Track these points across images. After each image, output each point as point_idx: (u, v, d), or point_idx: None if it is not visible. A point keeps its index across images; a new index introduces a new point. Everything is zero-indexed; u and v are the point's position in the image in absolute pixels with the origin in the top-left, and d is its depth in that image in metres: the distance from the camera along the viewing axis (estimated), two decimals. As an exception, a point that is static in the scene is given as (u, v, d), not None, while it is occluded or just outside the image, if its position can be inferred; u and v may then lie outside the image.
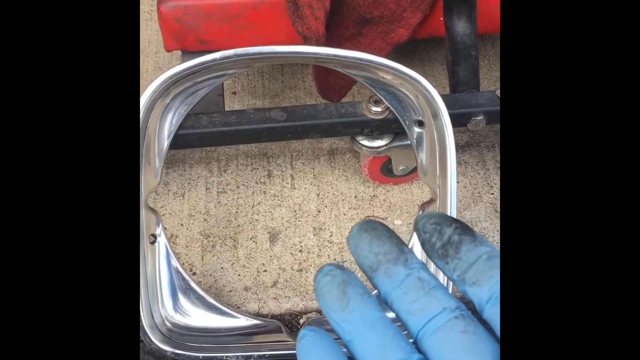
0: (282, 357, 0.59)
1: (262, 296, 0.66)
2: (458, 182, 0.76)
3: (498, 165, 0.77)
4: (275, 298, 0.66)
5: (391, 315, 0.33)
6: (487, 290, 0.31)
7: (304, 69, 0.86)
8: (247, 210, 0.72)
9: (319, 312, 0.65)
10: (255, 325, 0.62)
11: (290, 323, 0.65)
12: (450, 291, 0.34)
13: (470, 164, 0.78)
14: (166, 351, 0.56)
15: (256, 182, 0.75)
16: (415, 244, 0.62)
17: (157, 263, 0.59)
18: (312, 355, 0.31)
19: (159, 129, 0.59)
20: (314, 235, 0.71)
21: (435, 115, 0.59)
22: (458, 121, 0.64)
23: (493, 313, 0.31)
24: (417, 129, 0.62)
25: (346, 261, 0.68)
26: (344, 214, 0.72)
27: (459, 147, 0.79)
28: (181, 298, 0.59)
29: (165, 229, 0.62)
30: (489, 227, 0.72)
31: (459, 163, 0.77)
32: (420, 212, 0.63)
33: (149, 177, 0.59)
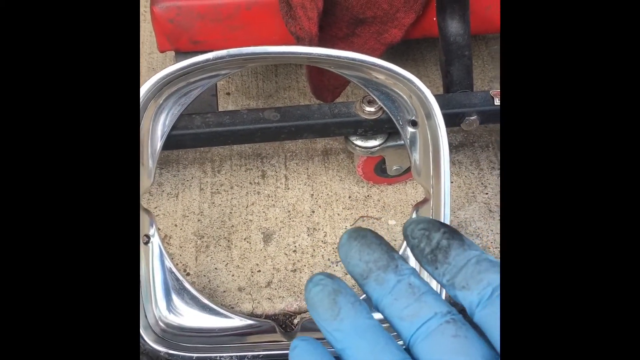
0: (276, 357, 0.59)
1: (256, 296, 0.66)
2: (452, 182, 0.76)
3: (492, 165, 0.78)
4: (269, 298, 0.66)
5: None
6: (476, 294, 0.31)
7: (297, 70, 0.86)
8: (241, 210, 0.72)
9: (313, 312, 0.65)
10: (249, 326, 0.62)
11: (284, 323, 0.65)
12: (443, 297, 0.34)
13: (464, 164, 0.78)
14: (160, 351, 0.56)
15: (250, 183, 0.75)
16: (408, 249, 0.62)
17: (150, 264, 0.59)
18: None
19: (152, 129, 0.59)
20: (308, 235, 0.71)
21: (429, 115, 0.59)
22: (451, 121, 0.64)
23: (483, 316, 0.31)
24: (410, 129, 0.62)
25: (340, 261, 0.68)
26: (338, 214, 0.72)
27: (453, 147, 0.79)
28: (175, 298, 0.59)
29: (159, 229, 0.62)
30: (483, 227, 0.72)
31: (453, 163, 0.78)
32: (414, 212, 0.63)
33: (143, 178, 0.59)
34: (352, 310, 0.31)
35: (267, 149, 0.78)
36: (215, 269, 0.67)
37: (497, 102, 0.65)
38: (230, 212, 0.72)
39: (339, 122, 0.63)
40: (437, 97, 0.58)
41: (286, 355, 0.59)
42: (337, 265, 0.68)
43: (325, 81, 0.70)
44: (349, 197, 0.74)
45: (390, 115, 0.62)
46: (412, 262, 0.58)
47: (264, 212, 0.72)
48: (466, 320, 0.32)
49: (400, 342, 0.32)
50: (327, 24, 0.65)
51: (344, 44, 0.68)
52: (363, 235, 0.34)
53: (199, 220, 0.71)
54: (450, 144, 0.79)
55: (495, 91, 0.65)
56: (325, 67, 0.60)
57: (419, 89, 0.57)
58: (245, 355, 0.59)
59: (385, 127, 0.64)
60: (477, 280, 0.31)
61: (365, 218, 0.72)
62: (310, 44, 0.62)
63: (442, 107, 0.58)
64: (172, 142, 0.61)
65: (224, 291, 0.66)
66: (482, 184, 0.76)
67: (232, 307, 0.65)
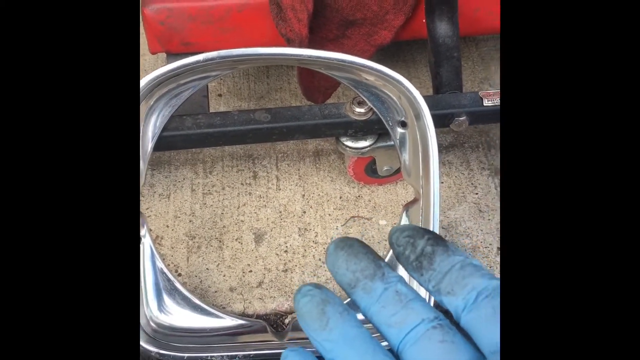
0: (267, 357, 0.59)
1: (248, 296, 0.66)
2: (442, 183, 0.76)
3: (482, 165, 0.78)
4: (260, 298, 0.66)
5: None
6: (461, 299, 0.31)
7: (289, 71, 0.87)
8: (233, 211, 0.73)
9: (304, 312, 0.66)
10: (241, 325, 0.62)
11: (275, 323, 0.65)
12: (432, 303, 0.35)
13: (454, 164, 0.78)
14: (151, 351, 0.56)
15: (242, 184, 0.75)
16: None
17: (141, 264, 0.59)
18: None
19: (143, 131, 0.59)
20: (299, 235, 0.71)
21: (418, 116, 0.59)
22: (441, 122, 0.65)
23: (469, 320, 0.31)
24: (400, 130, 0.62)
25: (331, 261, 0.69)
26: (329, 215, 0.73)
27: (443, 148, 0.80)
28: (166, 299, 0.60)
29: (150, 230, 0.62)
30: (473, 226, 0.73)
31: (443, 163, 0.78)
32: (404, 212, 0.64)
33: (134, 178, 0.59)
34: (340, 319, 0.32)
35: (259, 150, 0.78)
36: (207, 269, 0.68)
37: (486, 102, 0.65)
38: (222, 213, 0.72)
39: (330, 123, 0.64)
40: (426, 98, 0.59)
41: (278, 354, 0.60)
42: (328, 265, 0.69)
43: (315, 82, 0.70)
44: (340, 197, 0.74)
45: (380, 116, 0.62)
46: (401, 269, 0.58)
47: (255, 212, 0.73)
48: (453, 325, 0.32)
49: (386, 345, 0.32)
50: (317, 25, 0.66)
51: (334, 46, 0.68)
52: (350, 244, 0.34)
53: (190, 221, 0.71)
54: (440, 145, 0.80)
55: (485, 92, 0.66)
56: (316, 69, 0.60)
57: (408, 90, 0.58)
58: (236, 355, 0.59)
59: (375, 128, 0.65)
60: (462, 285, 0.32)
61: (356, 218, 0.73)
62: (301, 46, 0.62)
63: (431, 108, 0.59)
64: (163, 143, 0.61)
65: (216, 291, 0.66)
66: (472, 184, 0.77)
67: (224, 307, 0.65)
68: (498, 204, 0.74)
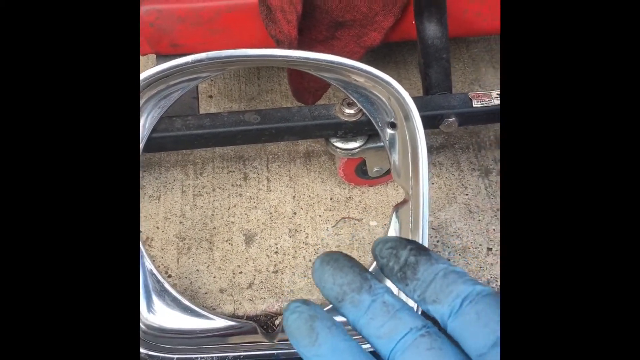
0: (257, 358, 0.59)
1: (238, 298, 0.66)
2: (433, 184, 0.77)
3: (472, 166, 0.78)
4: (250, 299, 0.66)
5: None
6: (447, 306, 0.32)
7: (280, 73, 0.87)
8: (223, 212, 0.73)
9: (295, 313, 0.66)
10: (231, 327, 0.62)
11: (265, 324, 0.65)
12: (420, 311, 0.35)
13: (445, 165, 0.79)
14: (140, 353, 0.56)
15: (232, 185, 0.75)
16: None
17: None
18: None
19: (133, 132, 0.59)
20: (290, 237, 0.71)
21: (407, 117, 0.60)
22: (430, 123, 0.65)
23: (455, 327, 0.32)
24: (389, 131, 0.63)
25: (321, 262, 0.69)
26: (320, 216, 0.73)
27: (434, 149, 0.80)
28: (156, 300, 0.60)
29: (140, 231, 0.62)
30: (463, 227, 0.73)
31: (433, 165, 0.78)
32: (394, 213, 0.64)
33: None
34: (329, 334, 0.32)
35: (250, 152, 0.78)
36: (197, 270, 0.68)
37: (475, 104, 0.66)
38: (212, 214, 0.72)
39: (319, 124, 0.64)
40: (415, 99, 0.59)
41: (267, 355, 0.60)
42: (318, 266, 0.69)
43: (305, 84, 0.70)
44: (331, 198, 0.75)
45: (370, 117, 0.62)
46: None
47: (245, 214, 0.73)
48: (441, 332, 0.32)
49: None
50: (307, 27, 0.66)
51: (324, 47, 0.69)
52: (335, 259, 0.34)
53: (180, 223, 0.71)
54: (431, 146, 0.80)
55: (474, 93, 0.66)
56: (305, 70, 0.60)
57: (397, 91, 0.58)
58: (226, 356, 0.59)
59: (365, 129, 0.65)
60: (446, 292, 0.32)
61: (346, 219, 0.73)
62: (290, 47, 0.62)
63: (420, 109, 0.59)
64: (153, 144, 0.61)
65: (206, 293, 0.66)
66: (462, 185, 0.77)
67: (214, 309, 0.65)
68: (488, 205, 0.74)
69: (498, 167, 0.78)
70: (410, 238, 0.61)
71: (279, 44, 0.64)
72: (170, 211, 0.72)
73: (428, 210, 0.59)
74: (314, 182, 0.76)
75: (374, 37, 0.68)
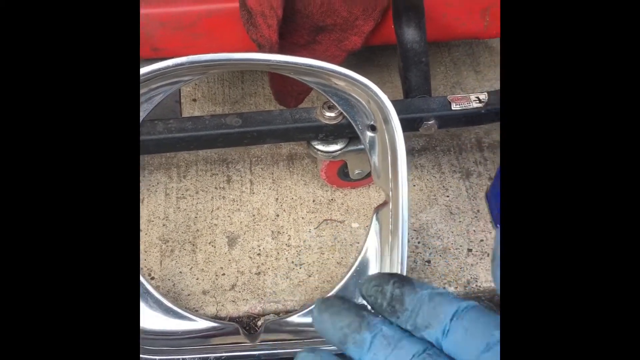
0: (239, 358, 0.60)
1: (220, 299, 0.67)
2: (414, 186, 0.77)
3: (453, 168, 0.79)
4: (233, 301, 0.67)
5: None
6: (439, 329, 0.34)
7: (264, 76, 0.88)
8: (206, 215, 0.73)
9: (277, 314, 0.66)
10: (213, 328, 0.63)
11: (248, 325, 0.66)
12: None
13: (426, 167, 0.80)
14: (122, 354, 0.57)
15: (215, 188, 0.76)
16: (369, 246, 0.64)
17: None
18: None
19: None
20: (272, 239, 0.72)
21: (387, 120, 0.60)
22: (410, 125, 0.66)
23: (448, 346, 0.34)
24: (369, 134, 0.63)
25: (304, 264, 0.70)
26: (302, 218, 0.74)
27: (416, 151, 0.81)
28: (138, 302, 0.60)
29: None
30: (444, 228, 0.74)
31: (415, 167, 0.79)
32: (375, 214, 0.65)
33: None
34: None
35: (233, 155, 0.79)
36: (180, 272, 0.68)
37: (454, 106, 0.67)
38: (196, 217, 0.73)
39: (300, 127, 0.65)
40: (395, 102, 0.60)
41: (249, 356, 0.60)
42: (300, 268, 0.69)
43: (288, 87, 0.71)
44: (313, 200, 0.75)
45: (350, 120, 0.63)
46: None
47: (229, 216, 0.73)
48: (441, 352, 0.34)
49: None
50: (289, 31, 0.67)
51: (306, 51, 0.69)
52: (330, 304, 0.37)
53: (164, 225, 0.72)
54: (412, 148, 0.81)
55: (453, 96, 0.67)
56: (286, 74, 0.61)
57: (376, 95, 0.59)
58: (208, 357, 0.59)
59: (346, 132, 0.66)
60: (435, 315, 0.34)
61: (328, 221, 0.74)
62: (271, 51, 0.63)
63: (400, 112, 0.60)
64: (135, 147, 0.61)
65: (188, 294, 0.67)
66: (443, 187, 0.78)
67: (197, 310, 0.66)
68: (469, 206, 0.75)
69: (479, 169, 0.79)
70: (390, 240, 0.62)
71: (260, 48, 0.64)
72: (154, 214, 0.73)
73: (407, 211, 0.60)
74: (296, 185, 0.77)
75: (354, 41, 0.69)
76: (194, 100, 0.84)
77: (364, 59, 0.90)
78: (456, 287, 0.68)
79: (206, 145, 0.65)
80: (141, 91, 0.58)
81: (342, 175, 0.74)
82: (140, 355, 0.57)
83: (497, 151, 0.81)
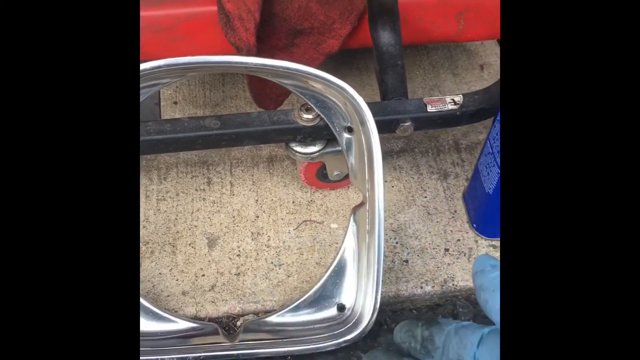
0: (218, 358, 0.61)
1: (200, 300, 0.67)
2: (393, 187, 0.78)
3: (431, 170, 0.81)
4: (212, 301, 0.67)
5: None
6: (470, 357, 0.38)
7: (244, 79, 0.88)
8: (187, 216, 0.74)
9: (256, 314, 0.67)
10: (193, 328, 0.63)
11: (227, 325, 0.66)
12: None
13: (404, 169, 0.81)
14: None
15: (196, 190, 0.76)
16: (347, 246, 0.65)
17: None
18: None
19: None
20: (252, 240, 0.72)
21: (363, 121, 0.61)
22: (387, 127, 0.67)
23: None
24: (346, 135, 0.64)
25: (283, 264, 0.70)
26: (282, 219, 0.74)
27: (394, 153, 0.82)
28: (117, 303, 0.60)
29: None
30: (422, 229, 0.75)
31: (394, 168, 0.80)
32: (352, 215, 0.65)
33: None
34: None
35: (213, 157, 0.80)
36: (160, 274, 0.69)
37: (430, 108, 0.68)
38: (176, 219, 0.73)
39: (278, 129, 0.65)
40: (371, 104, 0.61)
41: (228, 356, 0.61)
42: (279, 268, 0.70)
43: (267, 90, 0.72)
44: (293, 202, 0.76)
45: (327, 122, 0.64)
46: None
47: (209, 217, 0.74)
48: None
49: None
50: (267, 34, 0.67)
51: (284, 54, 0.70)
52: (374, 357, 0.43)
53: (144, 227, 0.72)
54: (391, 150, 0.82)
55: (429, 98, 0.68)
56: (263, 77, 0.62)
57: (352, 97, 0.60)
58: (187, 357, 0.60)
59: (324, 134, 0.67)
60: (464, 346, 0.38)
61: (308, 222, 0.74)
62: (249, 54, 0.64)
63: (377, 114, 0.61)
64: (114, 150, 0.62)
65: (168, 295, 0.67)
66: (421, 187, 0.79)
67: (176, 311, 0.66)
68: (446, 207, 0.77)
69: (456, 170, 0.80)
70: (367, 240, 0.63)
71: (238, 51, 0.65)
72: (134, 216, 0.73)
73: (383, 211, 0.61)
74: (276, 186, 0.77)
75: (332, 45, 0.70)
76: (175, 103, 0.85)
77: (342, 62, 0.91)
78: (433, 287, 0.69)
79: (185, 147, 0.65)
80: (119, 94, 0.59)
81: (321, 177, 0.75)
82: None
83: (474, 152, 0.82)
